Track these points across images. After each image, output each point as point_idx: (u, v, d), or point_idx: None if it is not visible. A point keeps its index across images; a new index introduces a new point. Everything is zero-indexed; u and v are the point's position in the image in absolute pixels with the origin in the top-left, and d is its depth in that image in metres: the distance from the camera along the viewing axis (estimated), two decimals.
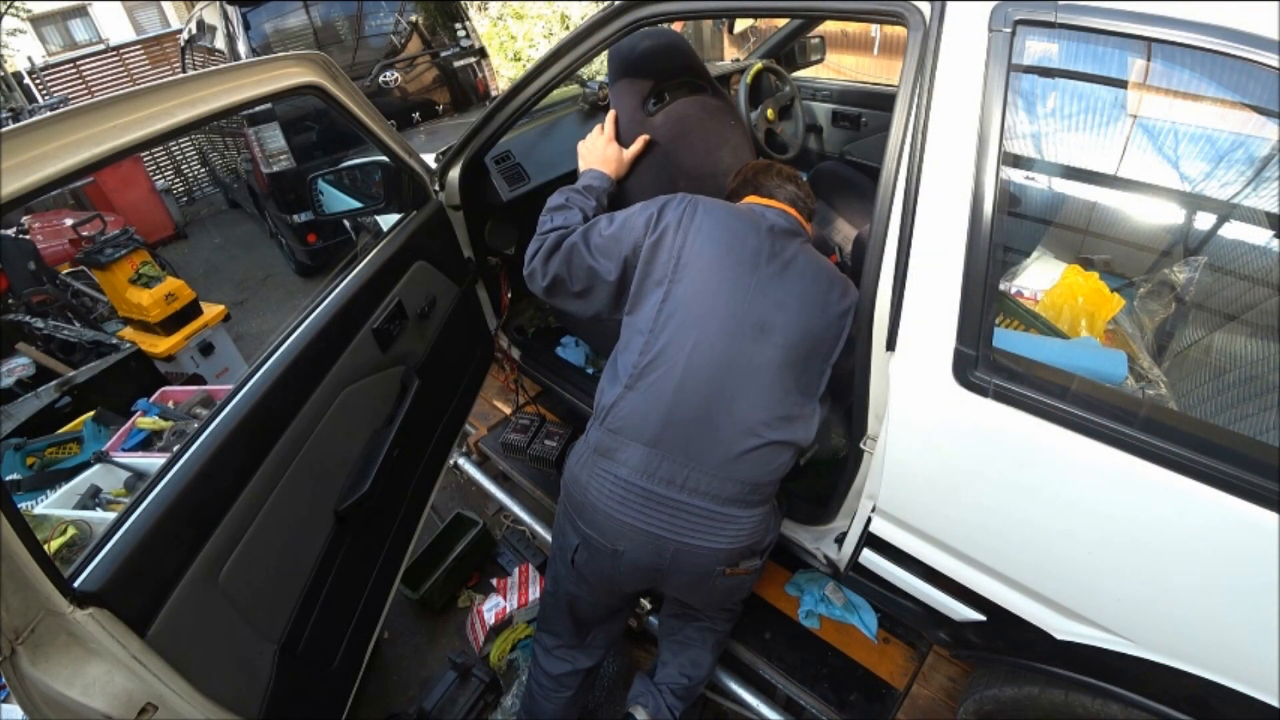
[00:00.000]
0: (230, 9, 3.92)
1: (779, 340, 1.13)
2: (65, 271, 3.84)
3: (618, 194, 1.49)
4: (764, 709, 1.53)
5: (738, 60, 2.77)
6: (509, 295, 2.10)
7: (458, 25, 4.66)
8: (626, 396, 1.16)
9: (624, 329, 1.22)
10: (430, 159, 1.73)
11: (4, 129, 0.75)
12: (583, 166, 1.49)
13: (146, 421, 2.13)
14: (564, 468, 1.27)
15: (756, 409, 1.12)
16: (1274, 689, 0.81)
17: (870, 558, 1.28)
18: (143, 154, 5.97)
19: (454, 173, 1.72)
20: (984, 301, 0.90)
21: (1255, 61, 0.71)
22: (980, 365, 0.92)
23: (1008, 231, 0.90)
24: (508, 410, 2.35)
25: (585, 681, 1.52)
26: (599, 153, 1.48)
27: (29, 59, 9.47)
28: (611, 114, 1.55)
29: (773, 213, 1.24)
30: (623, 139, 1.54)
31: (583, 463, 1.21)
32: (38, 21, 13.23)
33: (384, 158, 1.54)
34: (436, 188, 1.73)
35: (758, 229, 1.19)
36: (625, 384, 1.16)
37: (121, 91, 0.89)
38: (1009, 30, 0.84)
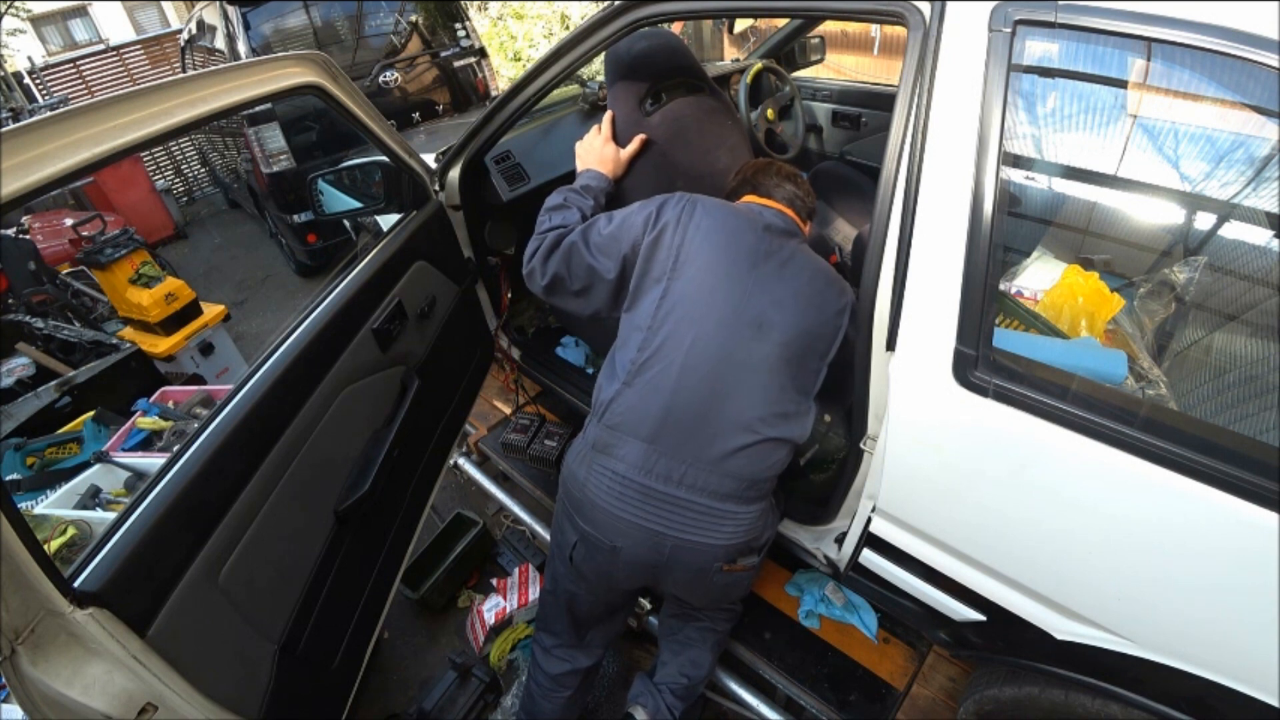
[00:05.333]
0: (230, 9, 3.92)
1: (776, 337, 1.13)
2: (65, 271, 3.84)
3: (615, 194, 1.49)
4: (764, 709, 1.53)
5: (738, 60, 2.77)
6: (509, 295, 2.10)
7: (458, 25, 4.66)
8: (624, 393, 1.16)
9: (622, 326, 1.23)
10: (430, 159, 1.73)
11: (4, 129, 0.75)
12: (580, 167, 1.49)
13: (146, 421, 2.13)
14: (562, 465, 1.28)
15: (753, 405, 1.13)
16: (1274, 689, 0.81)
17: (870, 558, 1.28)
18: (143, 154, 5.97)
19: (454, 173, 1.72)
20: (984, 301, 0.90)
21: (1255, 61, 0.71)
22: (980, 365, 0.92)
23: (1008, 231, 0.90)
24: (508, 410, 2.34)
25: (584, 681, 1.52)
26: (596, 153, 1.48)
27: (29, 59, 9.46)
28: (609, 114, 1.55)
29: (770, 212, 1.24)
30: (620, 139, 1.54)
31: (581, 459, 1.21)
32: (38, 21, 13.23)
33: (384, 158, 1.54)
34: (436, 188, 1.73)
35: (755, 227, 1.19)
36: (623, 380, 1.16)
37: (121, 91, 0.89)
38: (1009, 30, 0.84)
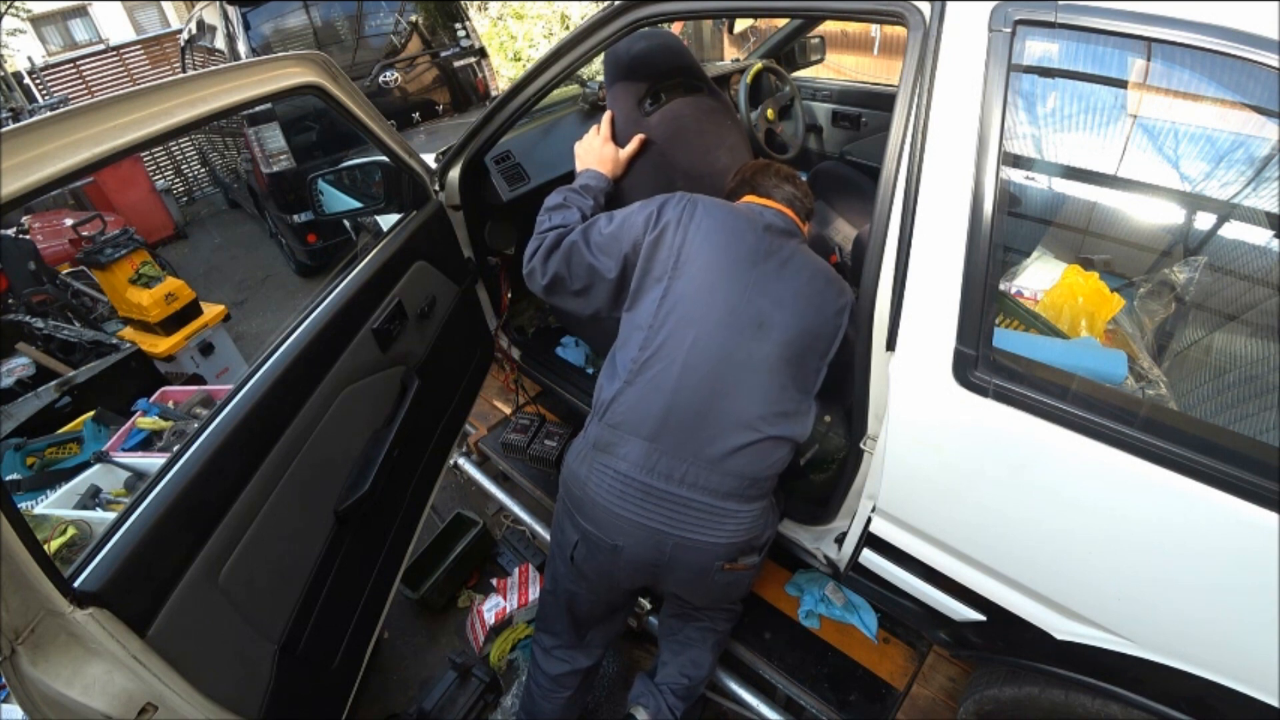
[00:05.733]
0: (230, 9, 3.92)
1: (777, 336, 1.14)
2: (65, 271, 3.84)
3: (615, 194, 1.49)
4: (764, 709, 1.53)
5: (738, 60, 2.77)
6: (509, 295, 2.10)
7: (458, 25, 4.66)
8: (625, 392, 1.16)
9: (623, 325, 1.23)
10: (430, 159, 1.73)
11: (4, 129, 0.75)
12: (579, 167, 1.49)
13: (146, 421, 2.13)
14: (563, 464, 1.28)
15: (754, 404, 1.13)
16: (1274, 689, 0.81)
17: (870, 558, 1.28)
18: (143, 154, 5.96)
19: (454, 173, 1.72)
20: (984, 301, 0.90)
21: (1255, 61, 0.71)
22: (980, 365, 0.92)
23: (1008, 231, 0.90)
24: (508, 410, 2.34)
25: (584, 682, 1.52)
26: (595, 153, 1.48)
27: (29, 59, 9.46)
28: (608, 114, 1.55)
29: (770, 213, 1.25)
30: (619, 139, 1.54)
31: (582, 458, 1.22)
32: (38, 21, 13.22)
33: (384, 158, 1.54)
34: (436, 188, 1.73)
35: (755, 227, 1.20)
36: (624, 379, 1.17)
37: (121, 91, 0.89)
38: (1009, 30, 0.84)
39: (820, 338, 1.17)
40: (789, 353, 1.15)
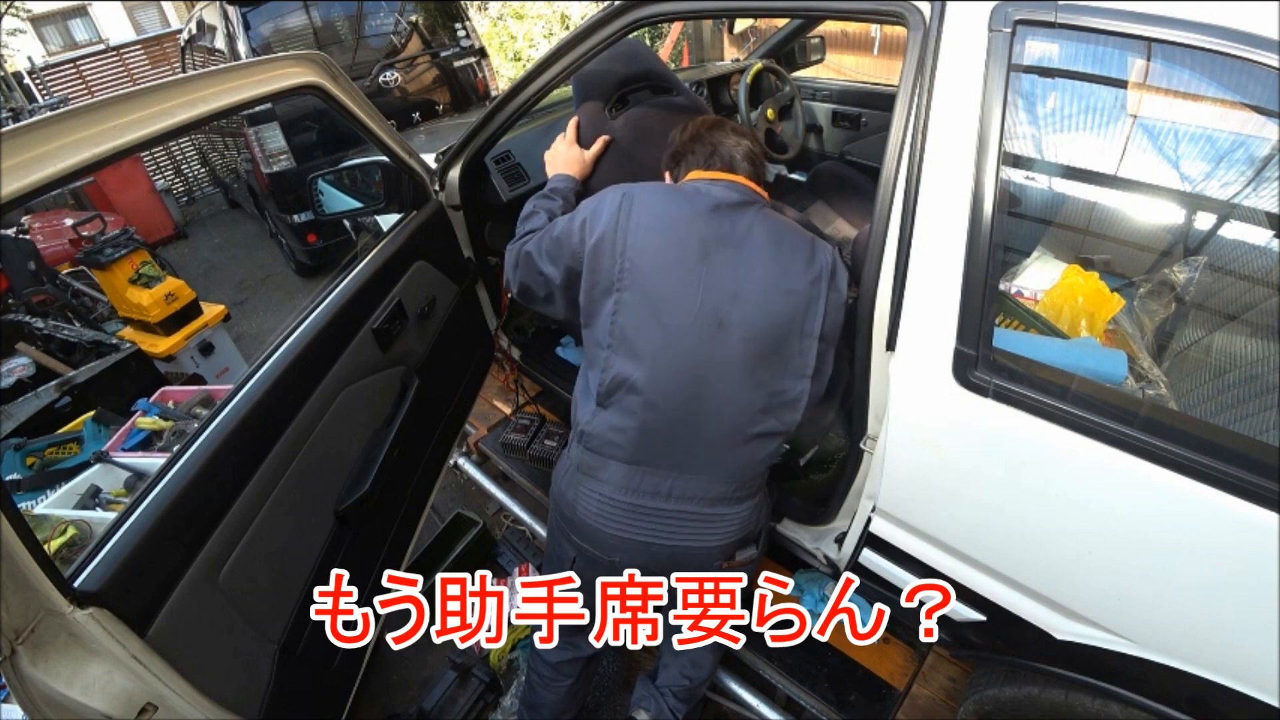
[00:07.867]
0: (230, 9, 3.91)
1: (740, 334, 1.07)
2: (65, 271, 3.83)
3: (585, 193, 1.49)
4: (764, 709, 1.53)
5: (738, 60, 2.77)
6: (509, 295, 2.10)
7: (458, 25, 4.65)
8: (600, 415, 1.15)
9: (585, 342, 1.19)
10: (430, 159, 1.73)
11: (4, 129, 0.75)
12: (549, 173, 1.49)
13: (146, 421, 2.13)
14: (551, 481, 1.28)
15: (733, 407, 1.09)
16: (1274, 689, 0.81)
17: (870, 558, 1.28)
18: (143, 154, 5.96)
19: (454, 173, 1.72)
20: (984, 301, 0.90)
21: (1255, 61, 0.71)
22: (980, 365, 0.92)
23: (1008, 231, 0.90)
24: (508, 410, 2.34)
25: (585, 672, 1.52)
26: (562, 156, 1.49)
27: (29, 59, 9.45)
28: (573, 120, 1.56)
29: (718, 188, 1.12)
30: (584, 145, 1.54)
31: (568, 480, 1.22)
32: (38, 21, 13.21)
33: (384, 158, 1.54)
34: (436, 188, 1.73)
35: (702, 212, 1.09)
36: (597, 401, 1.15)
37: (121, 91, 0.89)
38: (1009, 30, 0.84)
39: (794, 319, 1.08)
40: (757, 348, 1.07)
